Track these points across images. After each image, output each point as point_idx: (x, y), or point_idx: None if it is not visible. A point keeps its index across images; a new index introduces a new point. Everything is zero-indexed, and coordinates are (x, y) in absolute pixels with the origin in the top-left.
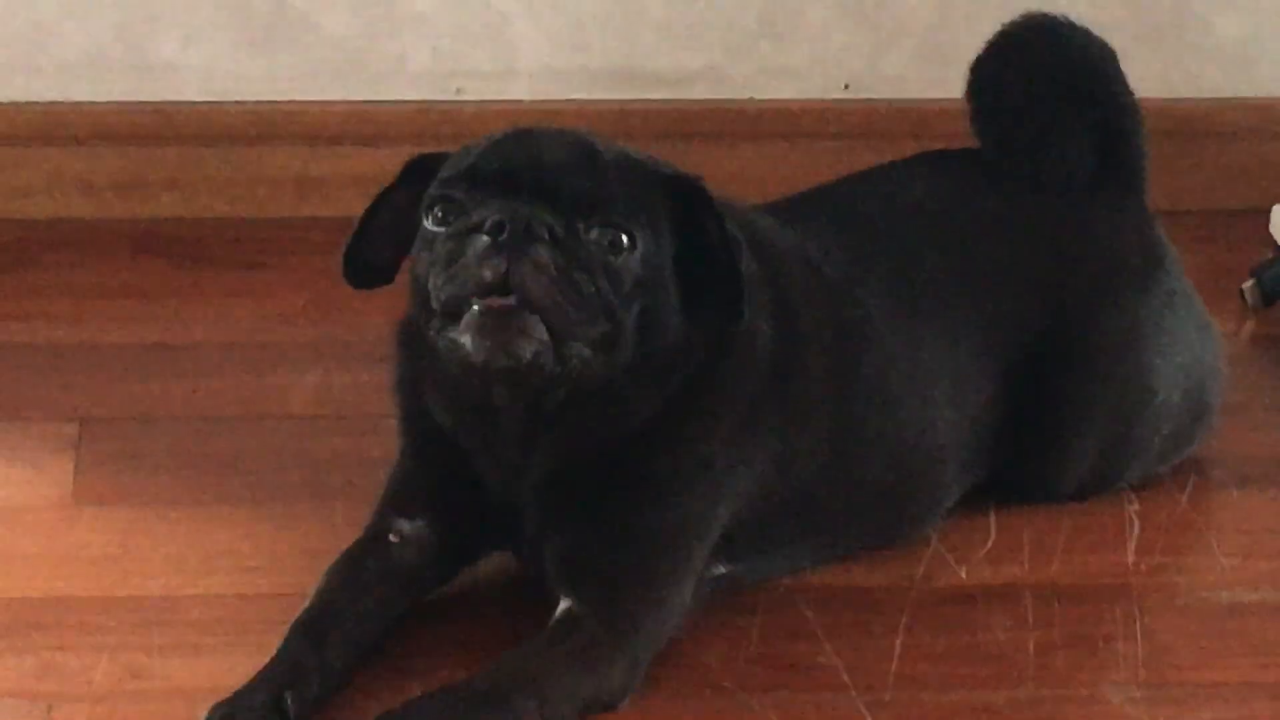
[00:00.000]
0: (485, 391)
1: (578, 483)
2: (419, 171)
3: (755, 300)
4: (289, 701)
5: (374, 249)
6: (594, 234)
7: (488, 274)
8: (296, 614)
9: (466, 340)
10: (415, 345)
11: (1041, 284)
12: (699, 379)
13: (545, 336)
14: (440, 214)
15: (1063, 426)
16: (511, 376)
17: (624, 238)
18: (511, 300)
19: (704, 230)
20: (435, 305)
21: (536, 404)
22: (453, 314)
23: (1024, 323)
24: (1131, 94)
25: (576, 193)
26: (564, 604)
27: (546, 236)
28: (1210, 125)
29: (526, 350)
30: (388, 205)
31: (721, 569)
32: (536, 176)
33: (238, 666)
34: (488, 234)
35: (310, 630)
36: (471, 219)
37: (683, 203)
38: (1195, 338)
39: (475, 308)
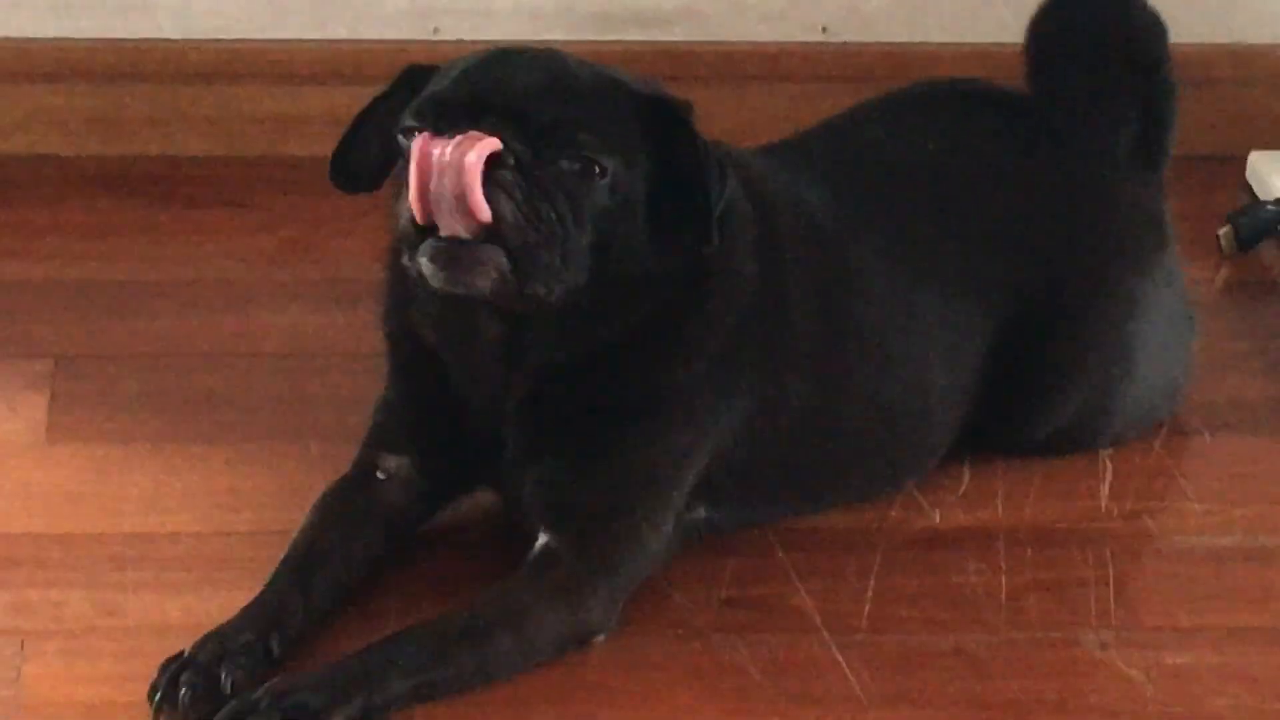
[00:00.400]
0: (462, 308)
1: (556, 409)
2: (410, 82)
3: (734, 232)
4: (274, 642)
5: (361, 155)
6: (561, 162)
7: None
8: (270, 551)
9: (425, 267)
10: (402, 267)
11: (1048, 245)
12: (676, 308)
13: (505, 265)
14: (417, 133)
15: (1045, 387)
16: (471, 300)
17: (594, 166)
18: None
19: (680, 155)
20: (399, 226)
21: (512, 320)
22: (414, 240)
23: (1023, 283)
24: (1174, 76)
25: (545, 119)
26: (542, 539)
27: (511, 162)
28: (1188, 71)
29: (483, 280)
30: (377, 113)
31: (703, 512)
32: (506, 102)
33: (211, 603)
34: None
35: (297, 569)
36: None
37: (662, 125)
38: (1178, 320)
39: (434, 238)
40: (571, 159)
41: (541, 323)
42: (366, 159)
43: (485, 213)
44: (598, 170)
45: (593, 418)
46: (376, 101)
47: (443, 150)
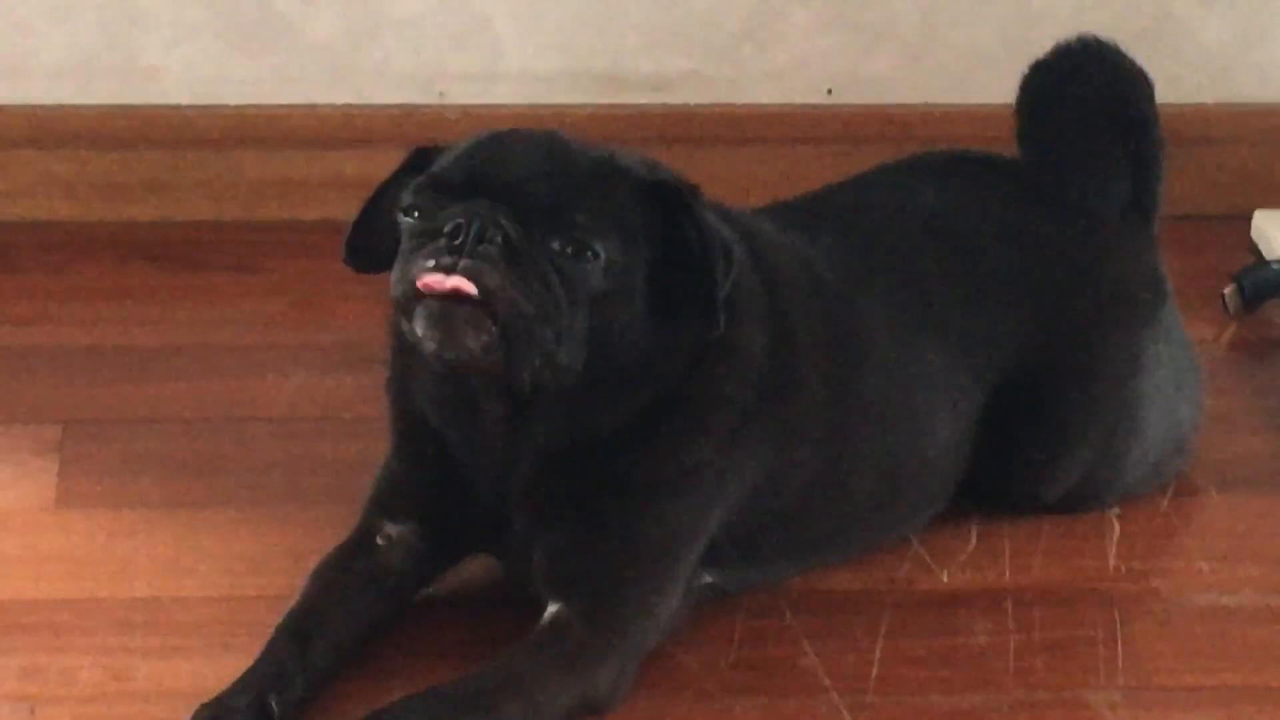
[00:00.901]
0: (464, 386)
1: (564, 486)
2: (420, 162)
3: (742, 309)
4: (273, 704)
5: (374, 236)
6: (554, 244)
7: (439, 271)
8: (279, 615)
9: (419, 329)
10: (403, 339)
11: (1047, 303)
12: (686, 386)
13: (493, 330)
14: (415, 214)
15: (1052, 445)
16: (465, 367)
17: (587, 250)
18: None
19: (687, 237)
20: (394, 297)
21: (514, 402)
22: (409, 307)
23: (1025, 339)
24: (1160, 131)
25: (539, 201)
26: (552, 608)
27: (499, 240)
28: (1192, 130)
29: (473, 342)
30: (387, 195)
31: (708, 578)
32: (501, 183)
33: (222, 668)
34: (446, 235)
35: (295, 632)
36: (437, 220)
37: (665, 208)
38: (1184, 374)
39: (425, 300)
40: (565, 241)
41: (543, 407)
42: (379, 239)
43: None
44: (590, 253)
45: (600, 496)
46: (386, 184)
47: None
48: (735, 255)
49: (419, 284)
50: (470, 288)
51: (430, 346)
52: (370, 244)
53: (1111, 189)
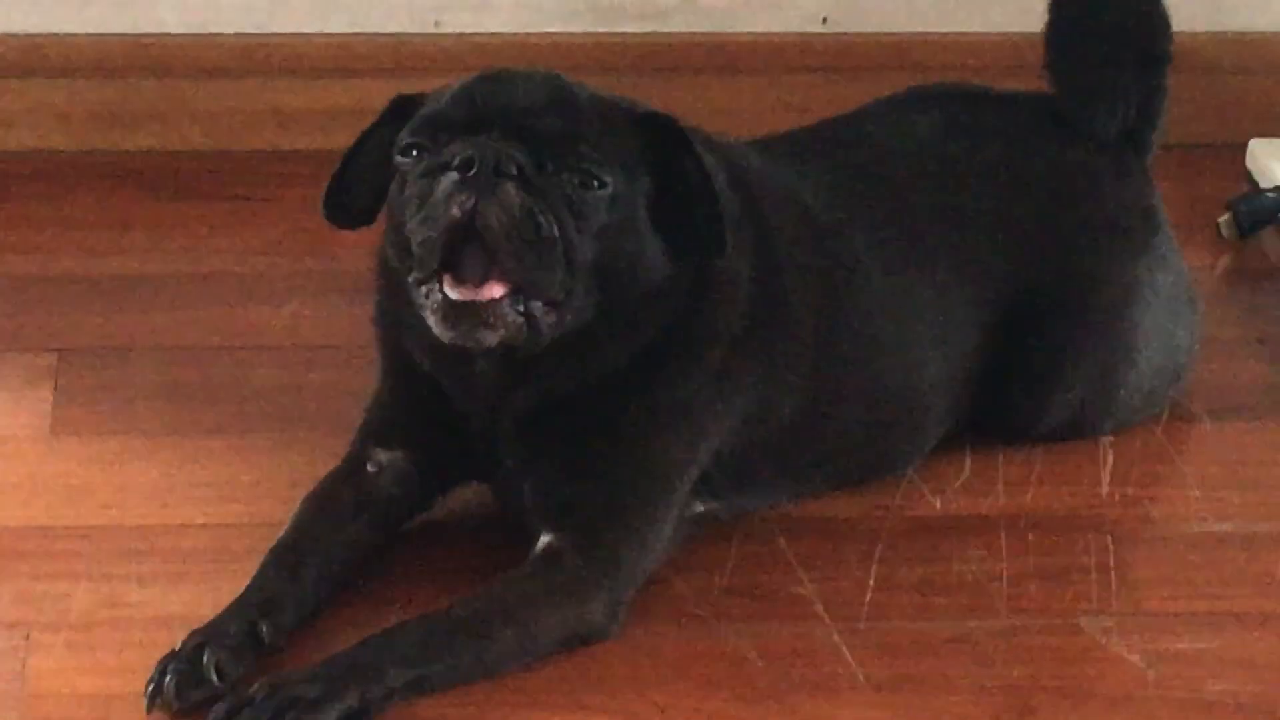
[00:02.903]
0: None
1: (556, 423)
2: (400, 111)
3: (734, 237)
4: (264, 629)
5: (354, 189)
6: (564, 175)
7: (455, 210)
8: (272, 543)
9: (433, 321)
10: (394, 280)
11: (1040, 235)
12: (677, 321)
13: (516, 318)
14: (414, 153)
15: (1047, 376)
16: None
17: (594, 180)
18: (477, 294)
19: (680, 169)
20: (413, 249)
21: (512, 355)
22: (425, 279)
23: (1018, 272)
24: (1170, 65)
25: (548, 132)
26: (545, 537)
27: (515, 173)
28: (1186, 59)
29: (490, 339)
30: (368, 145)
31: (700, 507)
32: (507, 116)
33: (215, 595)
34: (457, 169)
35: (285, 559)
36: (442, 156)
37: (658, 142)
38: (1180, 304)
39: (444, 293)
40: (573, 172)
41: (542, 357)
42: (360, 193)
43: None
44: (598, 184)
45: (592, 430)
46: (365, 135)
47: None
48: (720, 183)
49: (451, 294)
50: (499, 291)
51: (445, 337)
52: (353, 198)
53: (1116, 119)
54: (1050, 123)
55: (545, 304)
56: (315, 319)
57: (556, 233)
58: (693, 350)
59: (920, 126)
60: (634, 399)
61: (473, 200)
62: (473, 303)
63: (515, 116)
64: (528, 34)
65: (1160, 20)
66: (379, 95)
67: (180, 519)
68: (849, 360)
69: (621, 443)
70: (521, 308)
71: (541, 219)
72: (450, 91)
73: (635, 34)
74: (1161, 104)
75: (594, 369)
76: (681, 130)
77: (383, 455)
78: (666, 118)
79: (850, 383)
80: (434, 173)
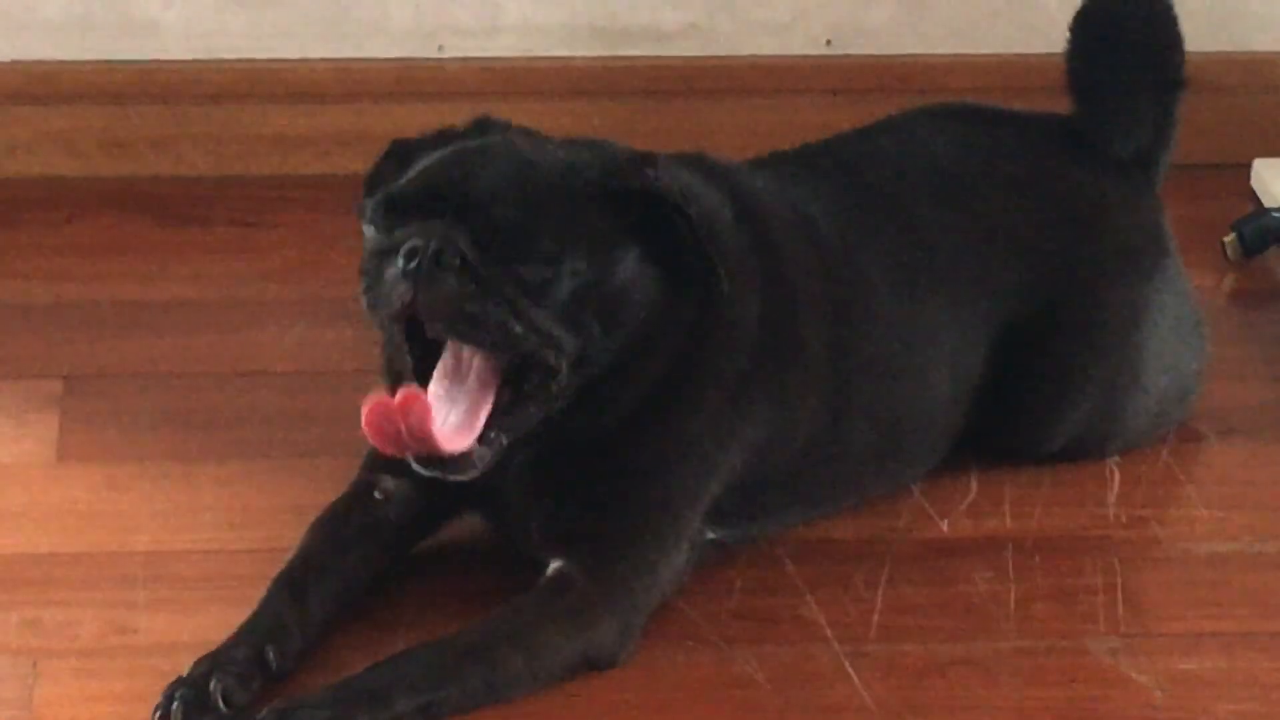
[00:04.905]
0: None
1: (563, 463)
2: (396, 157)
3: (738, 275)
4: (270, 655)
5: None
6: (516, 265)
7: (396, 302)
8: (279, 568)
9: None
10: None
11: (1050, 255)
12: (681, 361)
13: (486, 454)
14: (372, 230)
15: (1054, 396)
16: None
17: (555, 270)
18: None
19: (669, 225)
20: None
21: None
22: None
23: (1026, 291)
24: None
25: (501, 222)
26: (554, 563)
27: (458, 263)
28: (1192, 79)
29: (472, 474)
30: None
31: (712, 534)
32: (462, 203)
33: (223, 621)
34: (403, 258)
35: (292, 585)
36: (394, 239)
37: (639, 204)
38: (1186, 326)
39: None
40: (525, 263)
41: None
42: None
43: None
44: (561, 272)
45: (602, 466)
46: (367, 180)
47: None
48: (723, 220)
49: (421, 470)
50: (466, 442)
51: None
52: None
53: (1130, 141)
54: (1061, 143)
55: (522, 409)
56: (320, 344)
57: (504, 320)
58: (701, 385)
59: (934, 146)
60: (642, 435)
61: (412, 293)
62: (440, 460)
63: (470, 204)
64: (531, 58)
65: (1177, 44)
66: (383, 120)
67: (187, 545)
68: (861, 385)
69: (631, 476)
70: (494, 435)
71: (479, 309)
72: (416, 168)
73: (639, 57)
74: (1174, 128)
75: (599, 421)
76: (661, 193)
77: (390, 482)
78: (648, 182)
79: (862, 407)
80: (385, 255)
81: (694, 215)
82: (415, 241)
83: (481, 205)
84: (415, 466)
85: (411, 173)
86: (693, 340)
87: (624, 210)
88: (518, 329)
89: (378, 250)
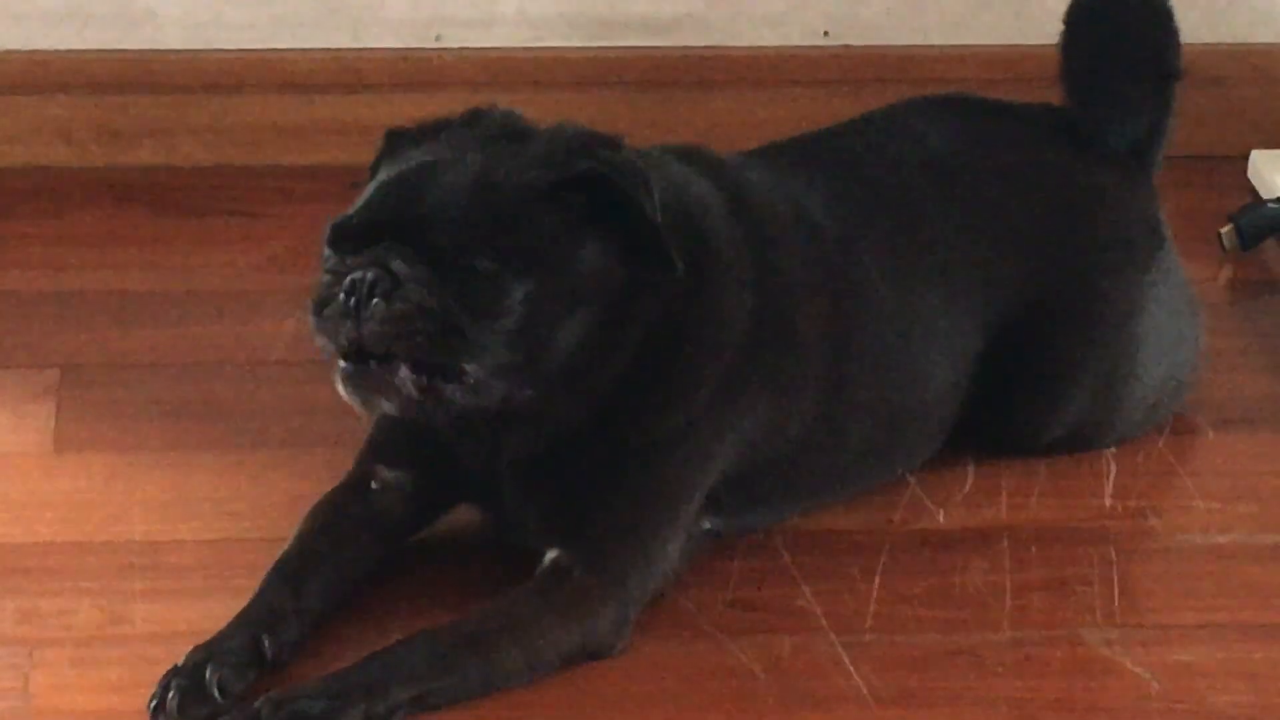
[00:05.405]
0: None
1: (553, 461)
2: (392, 147)
3: (719, 273)
4: (266, 645)
5: None
6: (460, 280)
7: (342, 339)
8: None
9: (340, 391)
10: None
11: (1047, 247)
12: (676, 352)
13: (410, 386)
14: (327, 250)
15: (1051, 389)
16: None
17: (497, 285)
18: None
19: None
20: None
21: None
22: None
23: (1022, 282)
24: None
25: (443, 245)
26: (551, 553)
27: (395, 289)
28: (1190, 70)
29: (390, 404)
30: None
31: (708, 524)
32: (403, 227)
33: (219, 611)
34: (344, 292)
35: (288, 574)
36: (339, 265)
37: (602, 187)
38: (1183, 318)
39: (341, 363)
40: (466, 283)
41: (516, 417)
42: None
43: None
44: (503, 287)
45: (595, 459)
46: (371, 170)
47: None
48: (718, 210)
49: (345, 366)
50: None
51: (355, 406)
52: None
53: (1126, 132)
54: (1056, 134)
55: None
56: None
57: (457, 334)
58: (696, 375)
59: (929, 137)
60: (634, 427)
61: (354, 327)
62: (368, 366)
63: (411, 228)
64: (529, 49)
65: (1173, 36)
66: (380, 110)
67: (183, 535)
68: (858, 377)
69: (625, 468)
70: (422, 378)
71: (430, 326)
72: (364, 193)
73: (637, 48)
74: (1169, 119)
75: (573, 416)
76: (606, 175)
77: (387, 473)
78: (594, 167)
79: (859, 399)
80: (329, 283)
81: (642, 191)
82: (357, 274)
83: (423, 229)
84: (342, 385)
85: (361, 197)
86: (687, 331)
87: (575, 200)
88: (479, 339)
89: (323, 278)
